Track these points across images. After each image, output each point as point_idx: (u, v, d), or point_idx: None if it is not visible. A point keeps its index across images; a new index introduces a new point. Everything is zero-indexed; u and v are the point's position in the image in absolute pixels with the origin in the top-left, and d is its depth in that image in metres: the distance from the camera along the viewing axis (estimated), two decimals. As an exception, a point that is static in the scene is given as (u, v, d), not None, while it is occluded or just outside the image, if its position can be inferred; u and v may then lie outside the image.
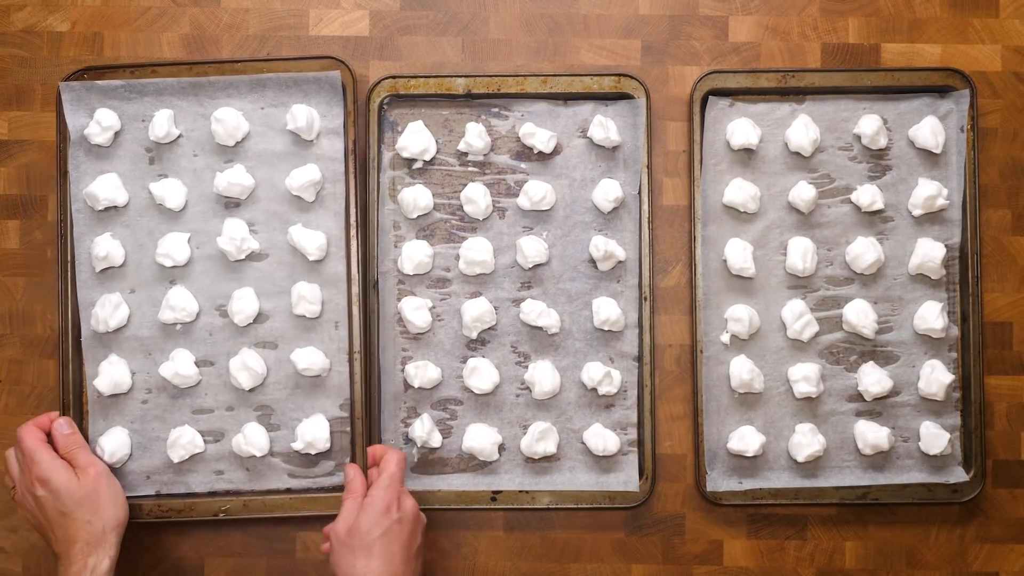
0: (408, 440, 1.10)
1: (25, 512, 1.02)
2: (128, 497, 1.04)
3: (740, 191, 1.09)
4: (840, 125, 1.11)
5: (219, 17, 1.13)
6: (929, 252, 1.08)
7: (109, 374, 1.07)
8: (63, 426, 1.05)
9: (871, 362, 1.09)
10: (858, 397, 1.09)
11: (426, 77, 1.10)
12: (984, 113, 1.12)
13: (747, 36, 1.13)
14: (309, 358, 1.07)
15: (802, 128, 1.09)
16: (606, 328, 1.09)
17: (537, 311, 1.09)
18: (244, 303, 1.07)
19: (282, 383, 1.08)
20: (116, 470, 1.06)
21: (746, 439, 1.08)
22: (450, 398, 1.10)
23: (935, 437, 1.08)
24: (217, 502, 1.07)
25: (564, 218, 1.11)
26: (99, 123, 1.07)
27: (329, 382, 1.08)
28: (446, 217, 1.10)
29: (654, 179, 1.11)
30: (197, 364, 1.08)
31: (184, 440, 1.07)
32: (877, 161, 1.11)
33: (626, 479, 1.09)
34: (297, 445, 1.06)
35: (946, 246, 1.09)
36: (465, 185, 1.10)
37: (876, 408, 1.10)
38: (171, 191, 1.08)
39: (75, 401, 1.08)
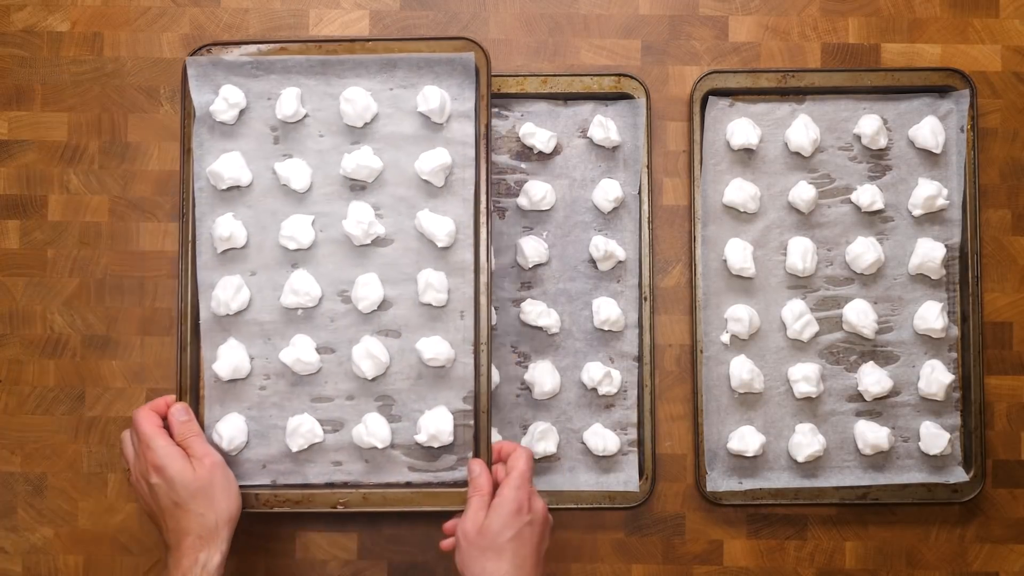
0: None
1: (137, 497, 0.99)
2: (241, 486, 1.01)
3: (740, 191, 1.09)
4: (840, 125, 1.11)
5: (219, 17, 1.13)
6: (929, 252, 1.08)
7: (229, 358, 1.03)
8: (180, 412, 1.01)
9: (871, 362, 1.09)
10: (858, 397, 1.09)
11: (426, 77, 1.10)
12: (984, 113, 1.12)
13: (747, 36, 1.13)
14: (436, 348, 1.03)
15: (802, 128, 1.09)
16: (606, 328, 1.09)
17: (537, 311, 1.09)
18: (369, 289, 1.03)
19: (404, 373, 1.04)
20: (230, 458, 1.02)
21: (746, 439, 1.08)
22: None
23: (935, 437, 1.08)
24: (336, 494, 1.03)
25: (564, 218, 1.11)
26: (226, 100, 1.04)
27: (453, 373, 1.04)
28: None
29: (654, 179, 1.11)
30: (317, 351, 1.04)
31: (304, 429, 1.03)
32: (877, 161, 1.11)
33: (626, 479, 1.09)
34: (420, 437, 1.02)
35: (946, 246, 1.09)
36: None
37: (876, 408, 1.10)
38: (296, 172, 1.04)
39: (192, 386, 1.04)
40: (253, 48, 1.05)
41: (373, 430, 1.03)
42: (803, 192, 1.09)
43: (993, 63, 1.13)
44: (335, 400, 1.05)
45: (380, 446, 1.03)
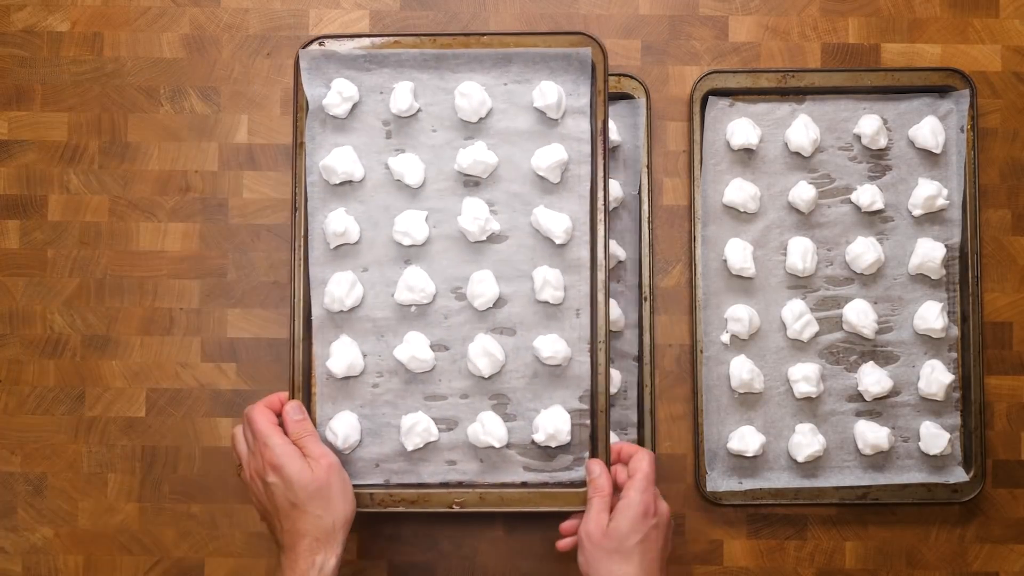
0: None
1: (251, 495, 0.98)
2: (354, 485, 0.99)
3: (740, 191, 1.09)
4: (840, 125, 1.11)
5: (219, 17, 1.13)
6: (929, 252, 1.08)
7: (343, 355, 1.01)
8: (295, 411, 0.99)
9: (871, 362, 1.09)
10: (858, 397, 1.09)
11: (426, 77, 1.10)
12: (984, 113, 1.12)
13: (747, 36, 1.13)
14: (553, 346, 1.01)
15: (802, 128, 1.09)
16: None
17: (537, 311, 1.09)
18: (484, 286, 1.02)
19: (520, 371, 1.03)
20: (343, 457, 1.01)
21: (746, 439, 1.08)
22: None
23: (935, 437, 1.08)
24: (451, 494, 1.02)
25: (564, 218, 1.11)
26: (339, 93, 1.02)
27: (569, 372, 1.02)
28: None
29: (654, 179, 1.11)
30: (431, 348, 1.03)
31: (420, 428, 1.01)
32: (877, 161, 1.11)
33: (627, 479, 1.09)
34: (538, 437, 1.01)
35: (946, 246, 1.09)
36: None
37: (876, 408, 1.10)
38: (410, 167, 1.03)
39: (303, 383, 1.02)
40: (366, 41, 1.04)
41: (490, 429, 1.01)
42: (803, 192, 1.09)
43: (993, 63, 1.13)
44: (449, 399, 1.03)
45: (497, 445, 1.01)
